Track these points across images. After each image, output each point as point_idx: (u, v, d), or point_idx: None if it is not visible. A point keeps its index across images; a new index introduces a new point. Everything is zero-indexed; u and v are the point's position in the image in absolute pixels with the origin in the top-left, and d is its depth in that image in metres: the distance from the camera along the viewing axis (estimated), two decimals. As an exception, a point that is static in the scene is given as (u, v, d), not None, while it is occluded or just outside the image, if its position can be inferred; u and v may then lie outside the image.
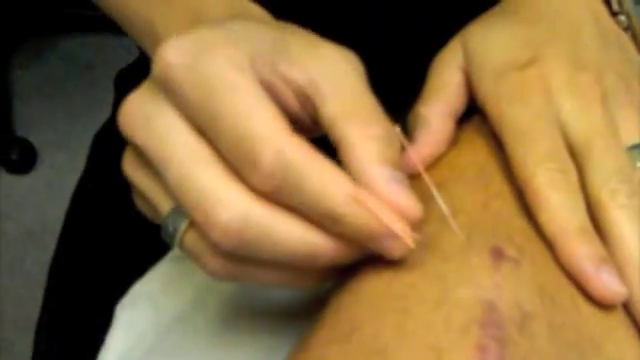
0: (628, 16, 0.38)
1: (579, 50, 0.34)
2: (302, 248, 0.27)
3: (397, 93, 0.37)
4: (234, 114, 0.27)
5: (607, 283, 0.28)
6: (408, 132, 0.35)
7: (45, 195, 1.42)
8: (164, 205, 0.30)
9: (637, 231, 0.30)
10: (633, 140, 0.32)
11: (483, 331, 0.26)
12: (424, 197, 0.28)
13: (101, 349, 0.42)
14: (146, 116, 0.29)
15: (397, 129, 0.29)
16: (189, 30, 0.29)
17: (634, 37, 0.38)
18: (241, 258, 0.28)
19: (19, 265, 1.32)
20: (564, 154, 0.31)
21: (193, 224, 0.29)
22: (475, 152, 0.34)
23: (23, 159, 1.46)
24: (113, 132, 0.30)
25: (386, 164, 0.27)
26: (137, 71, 0.54)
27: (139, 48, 0.51)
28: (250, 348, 0.38)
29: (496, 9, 0.38)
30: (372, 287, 0.29)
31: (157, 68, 0.28)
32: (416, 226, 0.27)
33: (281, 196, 0.27)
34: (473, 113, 0.36)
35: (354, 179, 0.27)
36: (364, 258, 0.29)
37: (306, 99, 0.29)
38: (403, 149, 0.30)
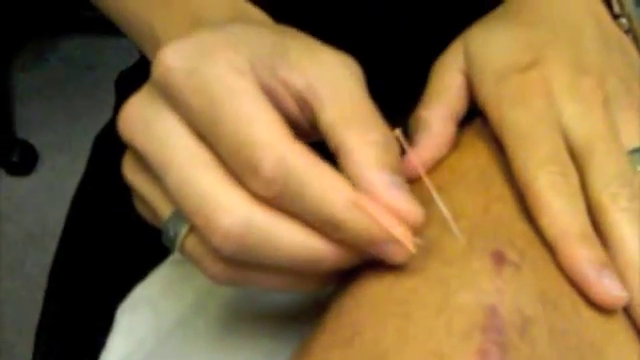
0: (629, 19, 0.38)
1: (580, 53, 0.34)
2: (303, 253, 0.27)
3: (396, 98, 0.37)
4: (235, 119, 0.26)
5: (608, 287, 0.28)
6: (409, 135, 0.35)
7: (46, 197, 1.41)
8: (164, 209, 0.30)
9: (638, 235, 0.30)
10: (634, 144, 0.32)
11: (485, 336, 0.26)
12: (425, 201, 0.28)
13: (102, 353, 0.42)
14: (146, 120, 0.29)
15: (398, 132, 0.29)
16: (189, 33, 0.29)
17: (635, 40, 0.38)
18: (242, 263, 0.28)
19: (19, 267, 1.32)
20: (565, 157, 0.31)
21: (193, 229, 0.29)
22: (476, 155, 0.34)
23: (24, 161, 1.46)
24: (114, 134, 0.30)
25: (385, 169, 0.27)
26: (138, 73, 0.54)
27: (139, 50, 0.51)
28: (251, 352, 0.38)
29: (497, 12, 0.38)
30: (373, 291, 0.29)
31: (157, 72, 0.28)
32: (417, 230, 0.27)
33: (282, 202, 0.27)
34: (474, 116, 0.36)
35: (354, 185, 0.27)
36: (365, 262, 0.29)
37: (305, 104, 0.29)
38: (404, 152, 0.29)
